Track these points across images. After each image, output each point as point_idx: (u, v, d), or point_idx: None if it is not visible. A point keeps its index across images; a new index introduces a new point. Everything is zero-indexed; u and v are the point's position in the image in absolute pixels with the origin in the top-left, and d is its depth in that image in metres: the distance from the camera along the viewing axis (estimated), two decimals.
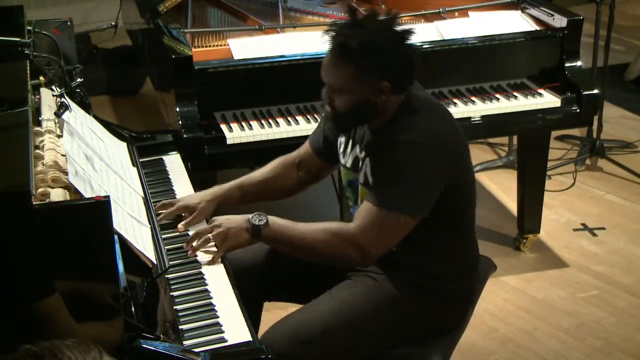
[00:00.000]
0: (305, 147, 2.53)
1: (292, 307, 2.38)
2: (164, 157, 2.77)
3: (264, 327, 2.30)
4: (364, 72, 2.12)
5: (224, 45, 3.20)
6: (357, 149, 2.30)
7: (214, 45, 3.25)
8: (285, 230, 2.19)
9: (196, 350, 1.84)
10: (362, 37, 2.10)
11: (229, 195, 2.48)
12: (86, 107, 2.58)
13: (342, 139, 2.37)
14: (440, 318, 2.29)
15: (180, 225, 2.35)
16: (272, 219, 2.20)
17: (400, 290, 2.25)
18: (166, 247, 2.19)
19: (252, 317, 2.21)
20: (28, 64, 2.35)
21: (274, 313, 2.72)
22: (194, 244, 2.24)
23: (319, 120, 3.03)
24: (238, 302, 2.05)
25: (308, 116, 3.06)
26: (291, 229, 2.19)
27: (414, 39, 2.17)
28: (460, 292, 2.32)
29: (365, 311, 2.23)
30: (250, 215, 2.20)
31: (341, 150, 2.38)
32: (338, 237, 2.14)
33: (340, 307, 2.23)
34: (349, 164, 2.34)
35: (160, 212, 2.37)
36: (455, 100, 3.19)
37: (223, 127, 2.99)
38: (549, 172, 4.06)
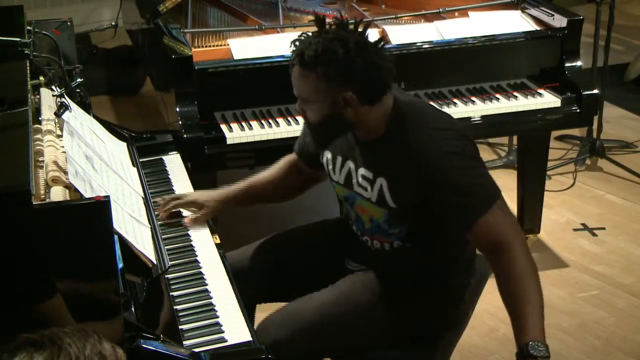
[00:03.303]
0: (294, 154, 2.49)
1: None
2: (164, 157, 2.77)
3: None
4: (323, 81, 2.05)
5: (224, 45, 3.20)
6: (351, 164, 2.24)
7: (214, 45, 3.25)
8: (542, 320, 2.02)
9: (196, 350, 1.84)
10: (319, 45, 2.05)
11: (238, 196, 2.47)
12: (86, 107, 2.57)
13: (328, 155, 2.31)
14: (438, 314, 2.29)
15: (186, 220, 2.37)
16: (539, 335, 1.98)
17: (401, 286, 2.25)
18: (166, 247, 2.19)
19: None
20: (28, 64, 2.34)
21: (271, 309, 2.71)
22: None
23: None
24: (238, 302, 2.05)
25: None
26: (540, 320, 2.01)
27: (379, 48, 2.10)
28: (457, 287, 2.32)
29: (363, 303, 2.23)
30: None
31: (330, 167, 2.32)
32: (527, 267, 2.04)
33: (339, 297, 2.24)
34: (342, 181, 2.29)
35: (168, 204, 2.39)
36: (455, 100, 3.19)
37: (223, 127, 2.99)
38: (549, 172, 4.06)
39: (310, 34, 2.12)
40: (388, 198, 2.16)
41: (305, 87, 2.10)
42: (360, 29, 2.11)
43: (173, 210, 2.41)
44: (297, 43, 2.11)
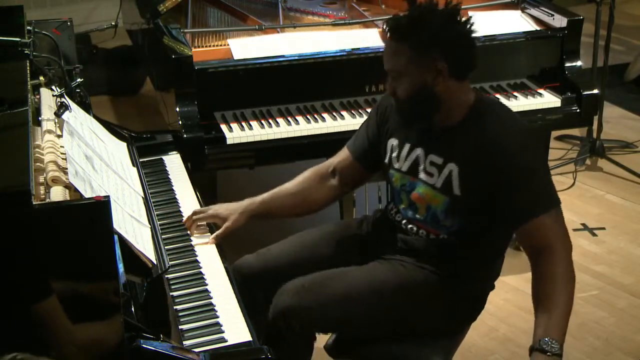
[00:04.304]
0: (343, 155, 2.47)
1: None
2: (164, 157, 2.78)
3: None
4: (415, 49, 2.11)
5: (224, 45, 3.20)
6: (420, 151, 2.25)
7: (214, 45, 3.25)
8: (565, 325, 2.07)
9: (196, 350, 1.84)
10: (412, 16, 2.13)
11: (261, 209, 2.45)
12: (86, 107, 2.58)
13: (394, 142, 2.33)
14: (453, 316, 2.31)
15: (212, 237, 2.34)
16: (558, 335, 2.02)
17: (425, 280, 2.26)
18: (166, 247, 2.19)
19: (260, 322, 2.20)
20: (28, 64, 2.35)
21: None
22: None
23: (319, 120, 3.04)
24: (238, 302, 2.05)
25: (308, 116, 3.06)
26: (563, 322, 2.06)
27: (469, 24, 2.16)
28: (478, 294, 2.34)
29: (387, 287, 2.24)
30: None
31: (394, 154, 2.33)
32: (566, 273, 2.09)
33: (366, 276, 2.25)
34: (404, 168, 2.29)
35: (193, 217, 2.38)
36: None
37: (223, 127, 2.99)
38: None
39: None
40: (455, 185, 2.18)
41: (398, 60, 2.15)
42: (450, 6, 2.16)
43: (199, 224, 2.40)
44: (389, 21, 2.16)
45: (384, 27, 2.17)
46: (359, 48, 3.15)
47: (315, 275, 2.26)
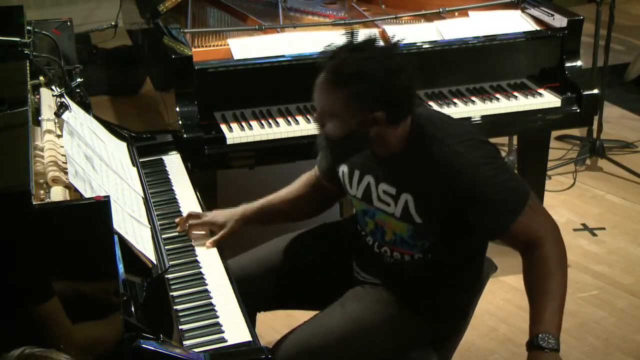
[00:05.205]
0: (316, 169, 2.45)
1: (294, 314, 2.35)
2: (164, 157, 2.77)
3: (267, 333, 2.28)
4: (356, 100, 2.01)
5: (224, 45, 3.20)
6: (370, 179, 2.20)
7: (214, 45, 3.25)
8: (560, 316, 2.06)
9: (196, 350, 1.85)
10: (357, 63, 2.00)
11: (258, 215, 2.42)
12: (86, 107, 2.58)
13: (344, 169, 2.28)
14: (446, 326, 2.29)
15: (208, 242, 2.31)
16: (553, 329, 2.03)
17: (410, 303, 2.23)
18: (166, 247, 2.19)
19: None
20: (28, 64, 2.35)
21: (275, 314, 2.70)
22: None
23: None
24: (238, 302, 2.05)
25: (308, 116, 3.06)
26: (557, 315, 2.05)
27: (412, 69, 2.07)
28: (466, 301, 2.33)
29: (376, 324, 2.20)
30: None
31: (347, 181, 2.28)
32: (557, 255, 2.07)
33: (351, 320, 2.20)
34: (359, 195, 2.25)
35: (189, 222, 2.36)
36: (455, 100, 3.19)
37: (223, 127, 2.99)
38: (549, 172, 4.06)
39: (338, 43, 2.06)
40: (413, 214, 2.13)
41: (335, 102, 2.05)
42: (393, 45, 2.08)
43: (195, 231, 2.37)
44: (331, 55, 2.05)
45: (324, 59, 2.06)
46: None
47: (298, 332, 2.20)
